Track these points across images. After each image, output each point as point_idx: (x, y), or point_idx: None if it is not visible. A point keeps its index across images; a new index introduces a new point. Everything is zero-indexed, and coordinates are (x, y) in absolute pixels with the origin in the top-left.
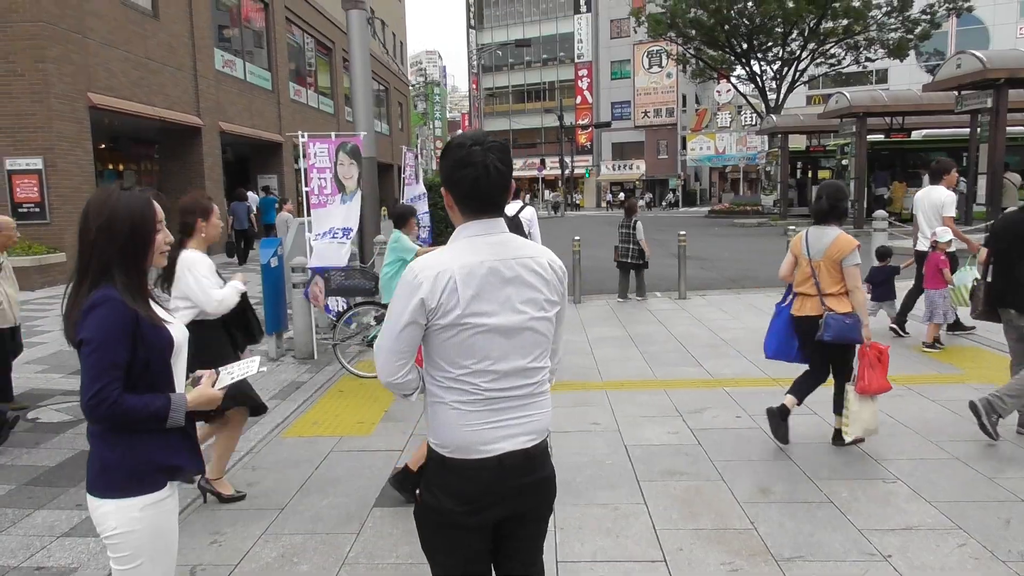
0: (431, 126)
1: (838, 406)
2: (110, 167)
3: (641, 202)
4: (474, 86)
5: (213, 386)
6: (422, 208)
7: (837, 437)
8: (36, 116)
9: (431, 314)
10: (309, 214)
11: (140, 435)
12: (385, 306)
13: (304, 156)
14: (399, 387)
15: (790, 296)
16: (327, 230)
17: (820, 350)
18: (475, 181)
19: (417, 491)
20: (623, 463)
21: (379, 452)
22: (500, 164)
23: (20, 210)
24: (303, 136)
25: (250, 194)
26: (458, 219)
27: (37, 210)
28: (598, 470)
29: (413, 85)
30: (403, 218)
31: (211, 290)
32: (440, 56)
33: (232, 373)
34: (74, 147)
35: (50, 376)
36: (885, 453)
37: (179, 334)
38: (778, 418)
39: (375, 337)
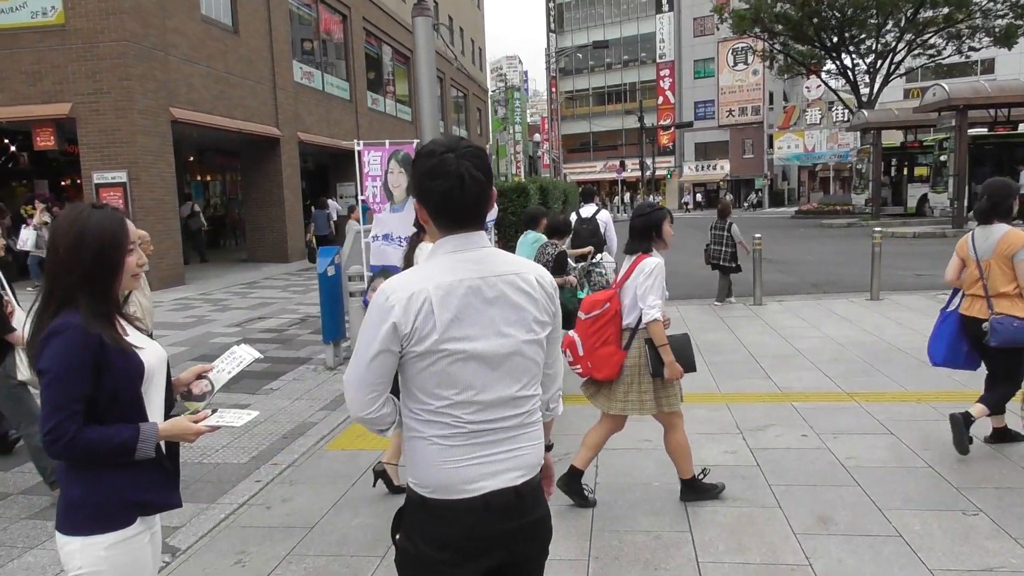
0: (511, 131)
1: (999, 406)
2: (198, 178)
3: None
4: (552, 89)
5: (201, 422)
6: (491, 216)
7: (996, 436)
8: (121, 131)
9: (405, 340)
10: (369, 221)
11: (108, 468)
12: None
13: (360, 164)
14: (371, 422)
15: (956, 300)
16: (384, 234)
17: (999, 355)
18: (448, 192)
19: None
20: (671, 486)
21: None
22: (476, 172)
23: None
24: (359, 144)
25: (331, 201)
26: (434, 235)
27: None
28: (643, 493)
29: (493, 91)
30: (534, 219)
31: None
32: (520, 61)
33: (222, 417)
34: (157, 160)
35: None
36: (967, 480)
37: (153, 359)
38: (962, 426)
39: None
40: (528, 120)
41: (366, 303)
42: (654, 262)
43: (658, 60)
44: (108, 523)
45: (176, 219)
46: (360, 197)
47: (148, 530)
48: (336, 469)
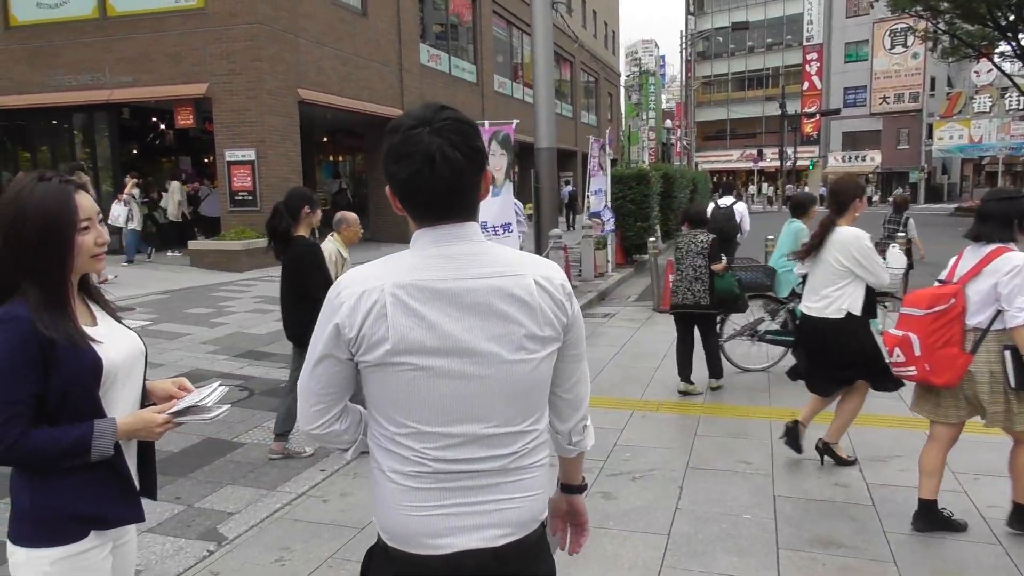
0: (644, 117)
1: None
2: (330, 159)
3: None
4: (688, 74)
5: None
6: (599, 204)
7: None
8: (251, 111)
9: (352, 347)
10: None
11: (56, 476)
12: (779, 300)
13: None
14: (321, 440)
15: None
16: (481, 223)
17: None
18: (413, 177)
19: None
20: (765, 520)
21: None
22: (451, 150)
23: (236, 198)
24: (482, 124)
25: None
26: (412, 226)
27: (250, 198)
28: (731, 526)
29: (627, 76)
30: (803, 207)
31: None
32: (657, 45)
33: (196, 406)
34: (284, 139)
35: (216, 357)
36: None
37: (118, 355)
38: None
39: (768, 332)
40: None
41: None
42: (1020, 257)
43: (805, 43)
44: (54, 536)
45: None
46: None
47: (105, 545)
48: None
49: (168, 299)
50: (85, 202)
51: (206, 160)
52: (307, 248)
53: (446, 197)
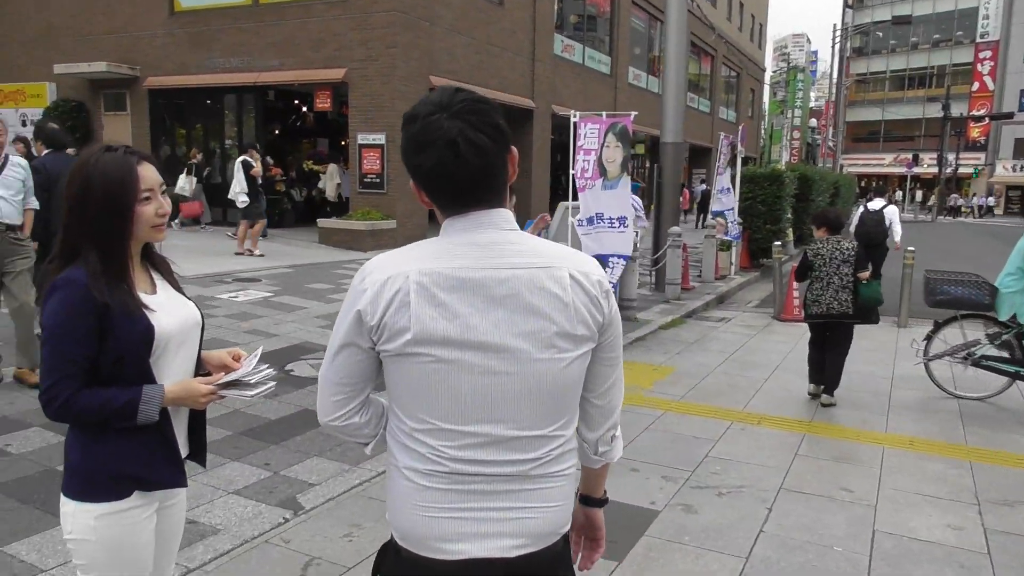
0: (789, 115)
1: None
2: None
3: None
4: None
5: (225, 384)
6: (727, 203)
7: None
8: (383, 96)
9: (374, 335)
10: (575, 197)
11: (104, 435)
12: (1000, 323)
13: (574, 136)
14: (339, 432)
15: None
16: (592, 215)
17: None
18: (438, 167)
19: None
20: (857, 556)
21: None
22: (474, 133)
23: (364, 180)
24: (575, 116)
25: None
26: (440, 217)
27: (378, 180)
28: (817, 557)
29: (774, 71)
30: None
31: None
32: (808, 40)
33: (246, 376)
34: None
35: (326, 332)
36: None
37: (172, 324)
38: None
39: (987, 357)
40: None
41: None
42: None
43: (978, 40)
44: (99, 492)
45: None
46: (571, 171)
47: (149, 506)
48: None
49: (292, 273)
50: (147, 173)
51: (343, 143)
52: None
53: (474, 183)
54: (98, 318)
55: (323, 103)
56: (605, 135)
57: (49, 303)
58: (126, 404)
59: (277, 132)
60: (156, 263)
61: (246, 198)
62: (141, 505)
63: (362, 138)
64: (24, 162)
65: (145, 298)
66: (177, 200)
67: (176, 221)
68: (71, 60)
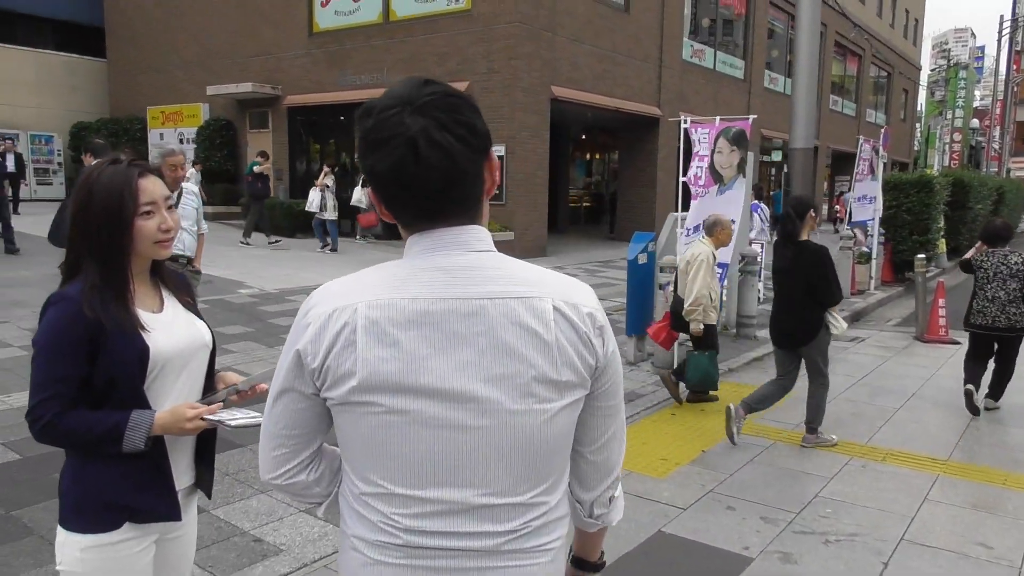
0: (948, 116)
1: None
2: (587, 156)
3: None
4: (1015, 67)
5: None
6: (867, 213)
7: None
8: (504, 108)
9: (316, 380)
10: (686, 207)
11: (93, 461)
12: None
13: (683, 142)
14: (288, 491)
15: None
16: (701, 223)
17: None
18: (392, 171)
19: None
20: None
21: (655, 504)
22: (442, 131)
23: None
24: (686, 121)
25: None
26: (403, 234)
27: (497, 192)
28: None
29: (932, 70)
30: None
31: None
32: (973, 35)
33: (233, 414)
34: (533, 136)
35: None
36: None
37: (168, 345)
38: None
39: None
40: (976, 104)
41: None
42: None
43: None
44: (88, 523)
45: (545, 194)
46: (681, 179)
47: (144, 538)
48: None
49: None
50: (150, 186)
51: None
52: (818, 251)
53: (438, 192)
54: (90, 336)
55: None
56: (716, 140)
57: (44, 318)
58: (111, 429)
59: None
60: (167, 280)
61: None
62: (134, 537)
63: None
64: (195, 188)
65: (147, 316)
66: (355, 212)
67: (357, 234)
68: (222, 82)
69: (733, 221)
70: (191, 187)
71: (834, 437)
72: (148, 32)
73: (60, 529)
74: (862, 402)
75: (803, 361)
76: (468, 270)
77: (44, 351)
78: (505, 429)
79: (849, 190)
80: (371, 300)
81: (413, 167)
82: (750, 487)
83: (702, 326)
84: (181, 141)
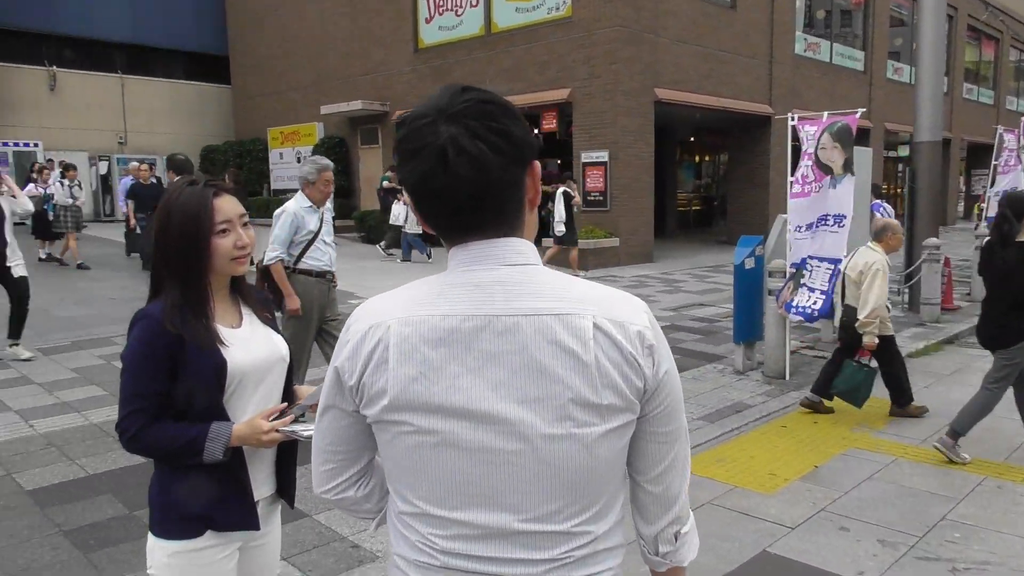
0: None
1: None
2: (695, 159)
3: None
4: None
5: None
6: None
7: None
8: (606, 113)
9: (355, 397)
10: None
11: (176, 472)
12: None
13: (791, 140)
14: (339, 506)
15: None
16: (815, 220)
17: None
18: (422, 182)
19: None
20: None
21: (761, 521)
22: (473, 140)
23: (588, 198)
24: (793, 118)
25: None
26: (445, 247)
27: (600, 198)
28: None
29: None
30: None
31: None
32: None
33: (309, 428)
34: (637, 140)
35: None
36: None
37: (245, 360)
38: None
39: None
40: None
41: (789, 308)
42: None
43: None
44: (173, 530)
45: (650, 198)
46: (789, 179)
47: (226, 545)
48: None
49: None
50: (225, 205)
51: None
52: None
53: (470, 203)
54: (171, 352)
55: (549, 124)
56: (820, 135)
57: (131, 335)
58: (192, 441)
59: None
60: (247, 297)
61: (563, 227)
62: (216, 544)
63: (586, 156)
64: (329, 204)
65: (226, 332)
66: None
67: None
68: (334, 101)
69: (843, 217)
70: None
71: (967, 456)
72: (268, 58)
73: (150, 535)
74: (1000, 416)
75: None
76: (501, 285)
77: (130, 367)
78: (540, 454)
79: (991, 184)
80: (403, 317)
81: (442, 177)
82: (868, 506)
83: (876, 339)
84: (298, 159)
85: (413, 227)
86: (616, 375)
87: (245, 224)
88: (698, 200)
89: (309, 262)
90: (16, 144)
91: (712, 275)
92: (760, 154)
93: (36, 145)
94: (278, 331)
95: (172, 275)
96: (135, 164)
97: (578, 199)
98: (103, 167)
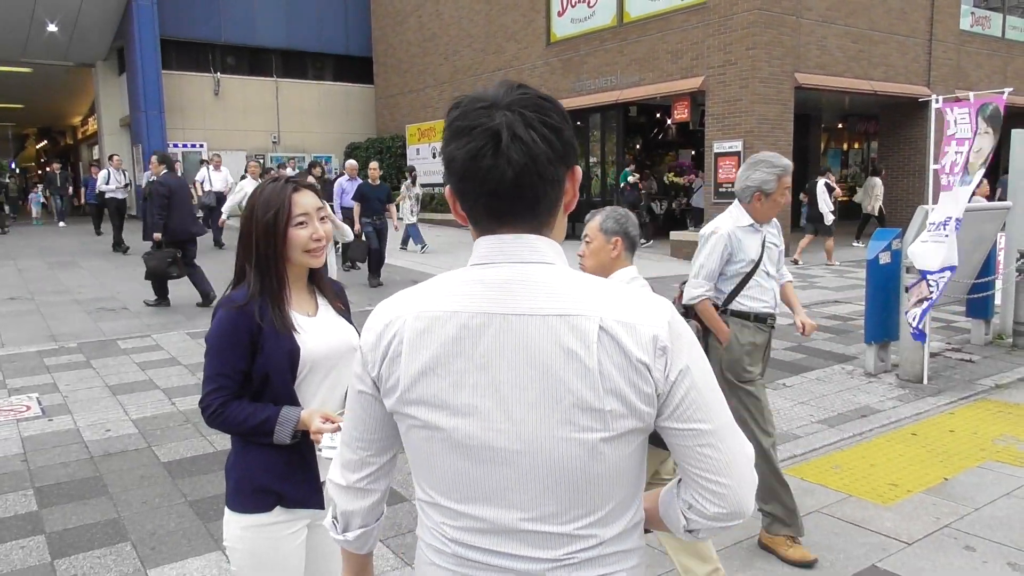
0: None
1: None
2: (845, 146)
3: None
4: None
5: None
6: None
7: None
8: (742, 101)
9: (376, 387)
10: (935, 200)
11: (250, 448)
12: None
13: (939, 126)
14: (358, 501)
15: None
16: (942, 220)
17: None
18: (471, 161)
19: None
20: None
21: (873, 535)
22: (527, 129)
23: (720, 190)
24: (937, 101)
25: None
26: (473, 234)
27: (732, 190)
28: None
29: None
30: None
31: None
32: None
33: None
34: (774, 129)
35: None
36: None
37: (317, 347)
38: None
39: None
40: None
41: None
42: None
43: None
44: (245, 504)
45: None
46: (934, 167)
47: (295, 522)
48: None
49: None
50: (303, 200)
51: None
52: None
53: (510, 190)
54: (251, 336)
55: (681, 114)
56: (975, 120)
57: (215, 319)
58: (264, 422)
59: (638, 146)
60: (323, 287)
61: (832, 217)
62: (285, 520)
63: (718, 146)
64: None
65: (301, 320)
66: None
67: None
68: None
69: (957, 220)
70: None
71: None
72: (408, 58)
73: (226, 509)
74: None
75: None
76: (513, 283)
77: (212, 349)
78: (541, 455)
79: None
80: (418, 312)
81: (491, 158)
82: (1000, 526)
83: None
84: (434, 155)
85: (409, 218)
86: (621, 380)
87: (323, 218)
88: (845, 191)
89: (746, 302)
90: (185, 145)
91: (853, 271)
92: (915, 140)
93: (201, 146)
94: (351, 322)
95: (253, 264)
96: (352, 163)
97: (839, 191)
98: (224, 170)
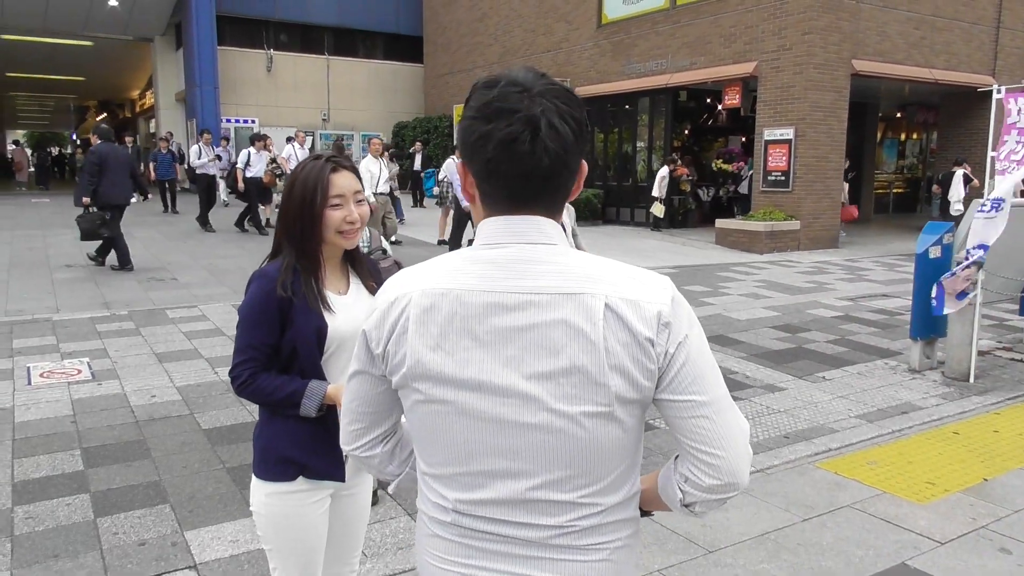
0: None
1: None
2: (903, 136)
3: None
4: None
5: None
6: None
7: None
8: (795, 88)
9: (382, 364)
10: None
11: (276, 419)
12: None
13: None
14: (365, 465)
15: None
16: (995, 200)
17: None
18: (508, 145)
19: None
20: None
21: (905, 532)
22: (562, 120)
23: (768, 178)
24: (998, 91)
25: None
26: (479, 214)
27: (783, 178)
28: None
29: None
30: None
31: None
32: None
33: None
34: (828, 116)
35: None
36: None
37: (345, 325)
38: None
39: None
40: None
41: (962, 298)
42: None
43: None
44: (270, 472)
45: (839, 179)
46: (992, 154)
47: (317, 491)
48: (801, 494)
49: (676, 274)
50: (341, 181)
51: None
52: None
53: (541, 176)
54: (282, 309)
55: (731, 100)
56: None
57: (248, 290)
58: (291, 394)
59: (687, 132)
60: (358, 267)
61: (959, 206)
62: (308, 490)
63: (768, 133)
64: None
65: (333, 297)
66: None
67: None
68: None
69: (1002, 201)
70: None
71: None
72: (457, 37)
73: (253, 476)
74: None
75: None
76: (521, 263)
77: (244, 320)
78: (547, 428)
79: None
80: (425, 289)
81: (528, 145)
82: None
83: None
84: None
85: (382, 187)
86: (625, 357)
87: (359, 201)
88: (900, 182)
89: None
90: (237, 120)
91: (904, 264)
92: (976, 132)
93: (253, 122)
94: None
95: (289, 240)
96: (376, 141)
97: (976, 182)
98: (308, 141)
